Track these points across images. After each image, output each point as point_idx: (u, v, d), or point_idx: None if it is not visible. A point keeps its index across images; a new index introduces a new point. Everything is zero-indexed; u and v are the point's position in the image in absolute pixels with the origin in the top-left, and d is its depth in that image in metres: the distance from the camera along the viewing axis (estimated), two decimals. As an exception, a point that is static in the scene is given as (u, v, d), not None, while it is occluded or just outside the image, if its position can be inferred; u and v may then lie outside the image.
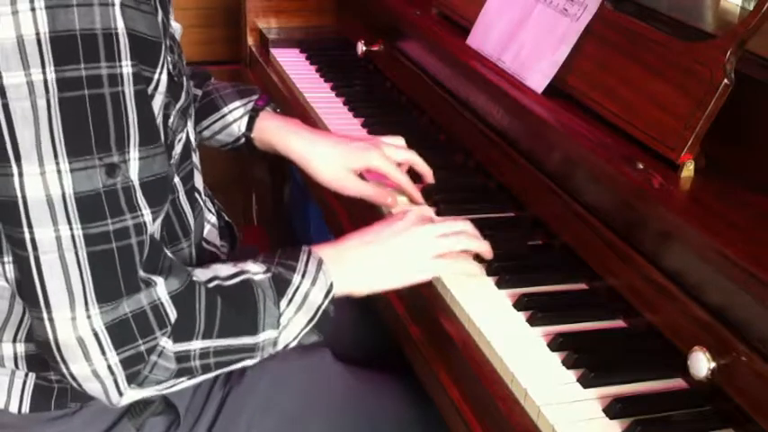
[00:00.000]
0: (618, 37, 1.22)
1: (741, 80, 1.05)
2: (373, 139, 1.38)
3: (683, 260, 0.97)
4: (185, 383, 0.99)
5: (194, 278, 0.99)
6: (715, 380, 0.89)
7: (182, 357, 0.95)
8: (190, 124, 1.13)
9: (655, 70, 1.14)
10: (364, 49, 1.83)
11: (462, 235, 1.15)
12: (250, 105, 1.42)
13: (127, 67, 0.88)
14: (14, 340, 1.02)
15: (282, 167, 2.21)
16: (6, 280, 0.99)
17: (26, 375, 1.04)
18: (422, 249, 1.12)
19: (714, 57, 1.06)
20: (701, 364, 0.89)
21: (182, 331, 0.95)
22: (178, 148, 1.06)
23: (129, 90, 0.88)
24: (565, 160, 1.19)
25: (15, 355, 1.03)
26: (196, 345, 0.96)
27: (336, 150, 1.34)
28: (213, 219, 1.25)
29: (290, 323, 1.02)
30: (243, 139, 1.42)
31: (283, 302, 1.01)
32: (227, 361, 1.00)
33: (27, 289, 0.90)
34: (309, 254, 1.06)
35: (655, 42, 1.16)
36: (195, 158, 1.17)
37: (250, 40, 2.15)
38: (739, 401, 0.87)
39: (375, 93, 1.79)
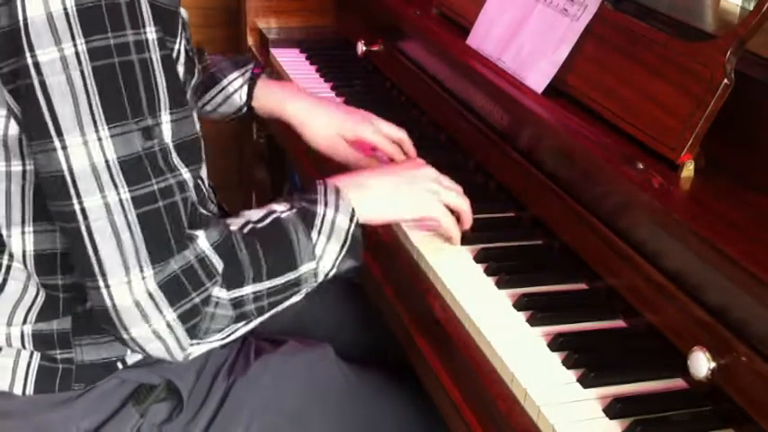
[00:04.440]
0: (618, 37, 1.22)
1: (741, 80, 1.05)
2: (367, 114, 1.44)
3: (683, 260, 0.97)
4: (242, 330, 1.02)
5: (232, 227, 1.01)
6: (715, 380, 0.89)
7: (237, 303, 0.98)
8: (196, 112, 1.15)
9: (655, 70, 1.14)
10: (364, 49, 1.83)
11: (461, 195, 1.20)
12: (248, 75, 1.48)
13: (151, 33, 0.91)
14: (24, 322, 1.04)
15: (282, 167, 2.21)
16: (24, 255, 1.00)
17: (31, 356, 1.05)
18: (432, 189, 1.17)
19: (714, 57, 1.06)
20: (701, 364, 0.89)
21: (233, 278, 0.98)
22: None
23: (155, 56, 0.91)
24: (564, 160, 1.19)
25: (23, 334, 1.04)
26: (248, 289, 0.99)
27: (332, 117, 1.41)
28: (214, 209, 1.26)
29: (325, 253, 1.04)
30: (245, 108, 1.48)
31: (314, 234, 1.04)
32: (278, 300, 1.03)
33: (82, 260, 0.92)
34: (326, 185, 1.09)
35: (655, 42, 1.16)
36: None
37: (250, 40, 2.15)
38: (739, 401, 0.87)
39: (375, 93, 1.79)
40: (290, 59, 1.99)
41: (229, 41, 2.41)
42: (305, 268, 1.03)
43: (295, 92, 1.47)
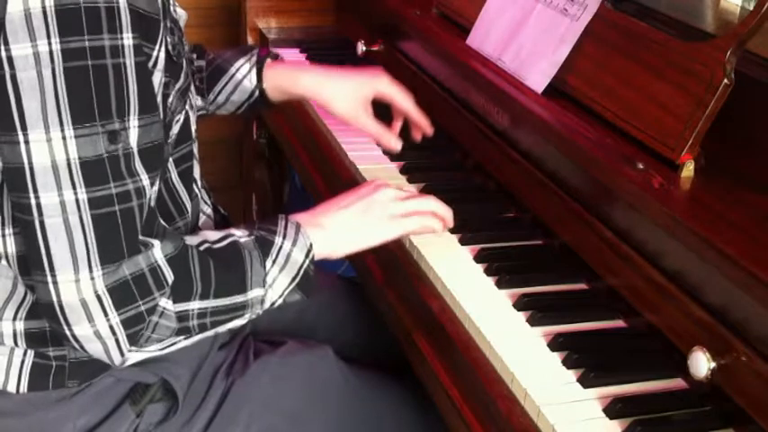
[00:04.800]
0: (618, 37, 1.22)
1: (741, 80, 1.05)
2: (376, 68, 1.46)
3: (683, 260, 0.97)
4: (182, 343, 1.02)
5: (188, 242, 1.02)
6: (715, 380, 0.89)
7: (182, 317, 0.99)
8: (192, 113, 1.15)
9: (655, 70, 1.14)
10: (364, 49, 1.83)
11: (425, 198, 1.19)
12: (254, 58, 1.48)
13: (128, 39, 0.91)
14: (15, 318, 1.04)
15: (282, 168, 2.21)
16: (7, 257, 1.01)
17: (24, 354, 1.05)
18: (388, 209, 1.15)
19: (714, 57, 1.06)
20: (701, 364, 0.89)
21: (180, 292, 0.98)
22: (175, 129, 1.09)
23: (129, 61, 0.92)
24: (564, 160, 1.19)
25: (15, 332, 1.04)
26: (194, 305, 0.99)
27: (347, 80, 1.42)
28: (209, 210, 1.27)
29: (275, 282, 1.05)
30: (257, 92, 1.47)
31: (268, 262, 1.05)
32: (221, 320, 1.03)
33: (32, 253, 0.93)
34: (287, 219, 1.11)
35: (655, 42, 1.16)
36: (194, 149, 1.18)
37: (250, 40, 2.15)
38: (739, 401, 0.87)
39: (375, 93, 1.78)
40: (290, 59, 1.99)
41: (229, 41, 2.41)
42: (253, 294, 1.04)
43: (305, 66, 1.49)
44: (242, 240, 1.06)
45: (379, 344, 1.38)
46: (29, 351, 1.05)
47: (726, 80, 1.04)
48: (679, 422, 0.92)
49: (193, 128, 1.17)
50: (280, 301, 1.07)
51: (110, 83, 0.90)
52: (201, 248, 1.03)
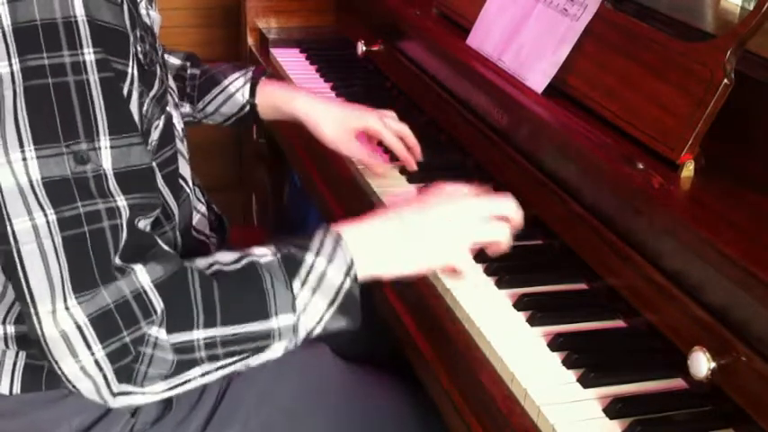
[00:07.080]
0: (618, 37, 1.22)
1: (741, 80, 1.05)
2: (371, 108, 1.47)
3: (683, 260, 0.97)
4: (199, 380, 0.94)
5: (190, 265, 0.94)
6: (715, 380, 0.89)
7: (182, 348, 0.91)
8: (175, 112, 1.14)
9: (655, 70, 1.14)
10: (364, 49, 1.83)
11: (505, 224, 1.07)
12: (249, 74, 1.50)
13: (90, 55, 0.87)
14: (4, 322, 1.02)
15: (282, 168, 2.21)
16: None
17: (16, 355, 1.04)
18: (464, 231, 1.03)
19: (714, 57, 1.06)
20: (701, 364, 0.89)
21: (176, 321, 0.90)
22: (155, 135, 1.05)
23: (93, 78, 0.87)
24: (564, 160, 1.19)
25: (5, 335, 1.03)
26: (198, 335, 0.91)
27: (338, 110, 1.44)
28: (203, 208, 1.26)
29: (309, 307, 0.95)
30: (247, 107, 1.49)
31: (296, 284, 0.94)
32: (240, 351, 0.94)
33: (15, 284, 0.89)
34: (326, 231, 0.99)
35: (655, 42, 1.16)
36: (181, 146, 1.17)
37: (250, 40, 2.15)
38: (739, 401, 0.87)
39: (375, 93, 1.79)
40: (290, 59, 1.99)
41: (229, 41, 2.41)
42: (281, 322, 0.94)
43: (299, 89, 1.50)
44: (262, 260, 0.95)
45: (379, 343, 1.37)
46: (20, 353, 1.04)
47: (726, 80, 1.04)
48: (679, 422, 0.92)
49: (180, 126, 1.15)
50: (319, 328, 0.97)
51: (73, 101, 0.86)
52: (208, 271, 0.94)
